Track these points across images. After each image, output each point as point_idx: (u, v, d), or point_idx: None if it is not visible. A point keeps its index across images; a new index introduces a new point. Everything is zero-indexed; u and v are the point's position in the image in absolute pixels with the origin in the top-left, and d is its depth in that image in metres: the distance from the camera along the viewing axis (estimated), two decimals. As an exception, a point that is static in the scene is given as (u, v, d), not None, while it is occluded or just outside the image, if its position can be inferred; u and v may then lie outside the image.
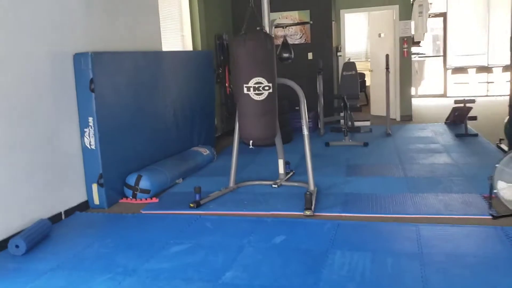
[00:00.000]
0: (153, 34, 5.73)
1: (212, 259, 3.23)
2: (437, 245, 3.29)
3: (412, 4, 8.53)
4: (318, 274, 2.93)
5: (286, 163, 5.16)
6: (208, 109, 6.65)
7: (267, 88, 4.23)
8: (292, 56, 6.62)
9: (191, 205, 4.35)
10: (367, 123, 8.40)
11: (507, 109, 6.69)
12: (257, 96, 4.23)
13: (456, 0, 11.71)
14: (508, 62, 11.21)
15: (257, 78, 4.19)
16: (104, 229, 3.99)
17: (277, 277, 2.94)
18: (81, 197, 4.49)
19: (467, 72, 11.77)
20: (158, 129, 5.41)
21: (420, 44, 10.90)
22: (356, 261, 3.08)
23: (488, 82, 11.66)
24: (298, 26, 8.44)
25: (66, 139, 4.30)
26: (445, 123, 8.11)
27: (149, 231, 3.85)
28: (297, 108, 4.90)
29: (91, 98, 4.32)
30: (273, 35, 4.73)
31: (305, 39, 8.53)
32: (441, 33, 12.10)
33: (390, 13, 8.64)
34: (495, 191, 3.83)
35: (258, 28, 4.59)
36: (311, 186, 4.49)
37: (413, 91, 9.21)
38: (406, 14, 8.49)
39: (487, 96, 11.40)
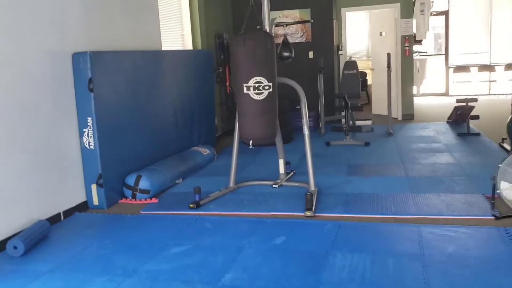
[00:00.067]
0: (152, 33, 5.70)
1: (212, 260, 3.20)
2: (438, 246, 3.25)
3: (414, 2, 8.48)
4: (318, 275, 2.90)
5: (287, 163, 5.13)
6: (208, 109, 6.62)
7: (267, 87, 4.20)
8: (293, 55, 6.59)
9: (191, 205, 4.32)
10: (369, 122, 8.36)
11: (509, 108, 6.66)
12: (257, 96, 4.19)
13: (458, -2, 11.68)
14: (511, 61, 11.24)
15: (257, 78, 4.15)
16: (103, 230, 3.97)
17: (277, 278, 2.91)
18: (80, 198, 4.46)
19: (469, 71, 11.72)
20: (158, 128, 5.38)
21: (422, 42, 10.86)
22: (356, 263, 3.04)
23: (490, 81, 11.61)
24: (298, 25, 8.40)
25: (65, 139, 4.28)
26: (447, 122, 8.07)
27: (148, 232, 3.82)
28: (297, 107, 4.87)
29: (90, 98, 4.28)
30: (273, 34, 4.69)
31: (306, 38, 8.49)
32: (442, 31, 12.05)
33: (391, 11, 8.59)
34: (497, 191, 3.79)
35: (258, 27, 4.56)
36: (312, 186, 4.46)
37: (414, 90, 9.16)
38: (407, 12, 8.44)
39: (489, 94, 11.35)
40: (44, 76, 4.04)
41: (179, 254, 3.33)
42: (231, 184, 4.81)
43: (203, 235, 3.69)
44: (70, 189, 4.34)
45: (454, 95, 11.29)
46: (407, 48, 8.53)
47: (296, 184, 4.83)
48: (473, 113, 7.14)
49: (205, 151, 5.99)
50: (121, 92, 4.74)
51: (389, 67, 7.53)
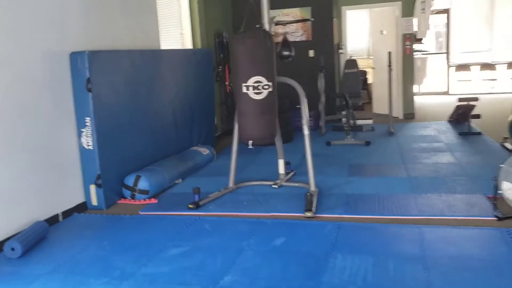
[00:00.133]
0: (151, 32, 5.67)
1: (210, 262, 3.17)
2: (440, 247, 3.22)
3: (415, 0, 8.43)
4: (319, 278, 2.87)
5: (287, 163, 5.09)
6: (208, 108, 6.58)
7: (266, 87, 4.16)
8: (293, 54, 6.52)
9: (190, 206, 4.28)
10: (370, 122, 8.31)
11: (511, 106, 6.61)
12: (257, 95, 4.16)
13: (460, -4, 11.62)
14: (512, 59, 11.21)
15: (256, 77, 4.11)
16: (102, 231, 3.93)
17: (276, 281, 2.87)
18: (79, 198, 4.43)
19: (470, 70, 11.67)
20: (157, 128, 5.35)
21: (422, 41, 10.81)
22: (357, 265, 3.01)
23: (491, 80, 11.56)
24: (299, 24, 8.35)
25: (63, 139, 4.24)
26: (448, 121, 8.02)
27: (147, 233, 3.79)
28: (298, 106, 4.83)
29: (88, 98, 4.25)
30: (273, 33, 4.65)
31: (306, 37, 8.45)
32: (443, 29, 12.00)
33: (392, 9, 8.55)
34: (499, 192, 3.75)
35: (257, 26, 4.52)
36: (312, 187, 4.42)
37: (415, 88, 9.12)
38: (408, 10, 8.39)
39: (490, 93, 11.30)
40: (42, 76, 4.01)
41: (178, 256, 3.30)
42: (231, 184, 4.77)
43: (202, 236, 3.65)
44: (69, 189, 4.31)
45: (455, 94, 11.25)
46: (408, 46, 8.48)
47: (296, 184, 4.80)
48: (474, 112, 7.10)
49: (205, 151, 5.95)
50: (120, 92, 4.70)
51: (390, 65, 7.48)
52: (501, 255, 3.06)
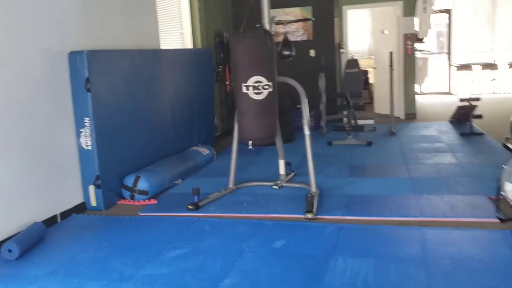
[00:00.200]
0: (151, 32, 5.63)
1: (210, 264, 3.13)
2: (442, 249, 3.18)
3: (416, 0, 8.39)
4: (319, 280, 2.83)
5: (287, 164, 5.06)
6: (208, 108, 6.54)
7: (266, 87, 4.12)
8: (293, 53, 6.50)
9: (190, 207, 4.25)
10: (371, 122, 8.28)
11: (513, 107, 6.57)
12: (257, 96, 4.12)
13: (461, -4, 11.57)
14: (514, 59, 11.15)
15: (256, 77, 4.08)
16: (101, 232, 3.90)
17: (277, 283, 2.84)
18: (78, 199, 4.39)
19: (472, 69, 11.62)
20: (157, 128, 5.31)
21: (424, 40, 10.75)
22: (358, 267, 2.97)
23: (493, 80, 11.51)
24: (299, 23, 8.31)
25: (62, 139, 4.21)
26: (450, 121, 7.98)
27: (146, 234, 3.75)
28: (298, 106, 4.79)
29: (87, 98, 4.22)
30: (273, 32, 4.61)
31: (307, 36, 8.41)
32: (444, 29, 11.95)
33: (393, 9, 8.51)
34: (502, 193, 3.71)
35: (258, 25, 4.48)
36: (313, 188, 4.38)
37: (417, 88, 9.08)
38: (409, 10, 8.35)
39: (492, 93, 11.26)
40: (39, 75, 3.98)
41: (177, 258, 3.26)
42: (231, 185, 4.74)
43: (201, 238, 3.62)
44: (67, 190, 4.27)
45: (456, 94, 11.21)
46: (409, 46, 8.43)
47: (296, 185, 4.76)
48: (476, 112, 7.06)
49: (205, 151, 5.92)
50: (119, 91, 4.67)
51: (391, 65, 7.44)
52: (503, 258, 3.02)
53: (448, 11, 11.62)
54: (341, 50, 8.75)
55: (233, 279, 2.91)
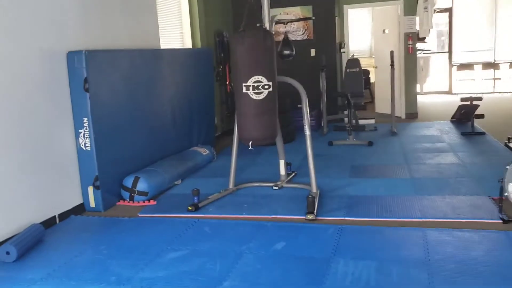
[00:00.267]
0: (151, 31, 5.59)
1: (209, 267, 3.09)
2: (445, 251, 3.14)
3: (417, -1, 8.35)
4: (320, 283, 2.79)
5: (288, 164, 5.01)
6: (208, 108, 6.50)
7: (266, 87, 4.08)
8: (294, 53, 6.47)
9: (190, 208, 4.21)
10: (372, 121, 8.25)
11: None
12: (257, 96, 4.08)
13: (462, -6, 11.51)
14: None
15: (256, 77, 4.03)
16: (99, 234, 3.86)
17: (277, 286, 2.80)
18: (77, 200, 4.35)
19: (473, 69, 11.57)
20: (156, 129, 5.27)
21: (425, 40, 10.71)
22: (360, 269, 2.93)
23: (494, 79, 11.46)
24: (300, 22, 8.27)
25: (60, 140, 4.17)
26: (451, 121, 7.94)
27: (145, 236, 3.71)
28: (299, 106, 4.75)
29: (85, 98, 4.17)
30: (273, 32, 4.57)
31: (308, 36, 8.37)
32: (445, 28, 11.90)
33: (394, 8, 8.46)
34: (505, 194, 3.67)
35: (258, 25, 4.44)
36: (314, 189, 4.34)
37: (418, 88, 9.03)
38: (411, 9, 8.30)
39: (493, 93, 11.21)
40: (37, 75, 3.93)
41: (176, 260, 3.22)
42: (231, 185, 4.70)
43: (201, 240, 3.57)
44: (66, 191, 4.23)
45: (457, 93, 11.16)
46: (410, 45, 8.39)
47: (297, 185, 4.72)
48: (477, 111, 7.01)
49: (205, 151, 5.88)
50: (118, 92, 4.63)
51: (392, 65, 7.40)
52: (507, 260, 2.98)
53: (449, 10, 11.57)
54: (342, 50, 8.71)
55: (232, 282, 2.87)
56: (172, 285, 2.88)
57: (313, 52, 8.31)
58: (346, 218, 3.86)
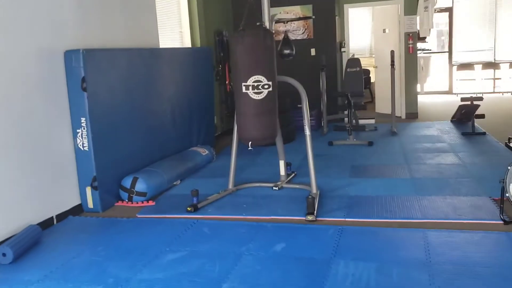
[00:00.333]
0: (150, 30, 5.55)
1: (208, 268, 3.06)
2: (446, 253, 3.11)
3: (418, -2, 8.32)
4: (320, 285, 2.76)
5: (287, 164, 4.98)
6: (207, 108, 6.47)
7: (266, 86, 4.05)
8: (294, 52, 6.43)
9: (189, 208, 4.18)
10: (372, 121, 8.22)
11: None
12: (256, 95, 4.04)
13: (462, -6, 11.49)
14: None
15: (256, 76, 4.00)
16: (97, 235, 3.82)
17: (276, 289, 2.77)
18: (75, 201, 4.32)
19: (473, 68, 11.55)
20: (155, 128, 5.24)
21: (426, 40, 10.68)
22: (360, 271, 2.90)
23: (494, 79, 11.44)
24: (300, 21, 8.24)
25: (58, 140, 4.13)
26: (451, 121, 7.91)
27: (144, 237, 3.68)
28: (299, 105, 4.72)
29: (83, 98, 4.14)
30: (273, 31, 4.54)
31: (308, 35, 8.33)
32: (445, 28, 11.87)
33: (394, 7, 8.43)
34: (507, 194, 3.64)
35: (257, 24, 4.41)
36: (314, 189, 4.31)
37: (418, 88, 9.01)
38: (411, 8, 8.27)
39: (493, 92, 11.18)
40: (34, 75, 3.90)
41: (175, 262, 3.19)
42: (230, 186, 4.67)
43: (200, 241, 3.54)
44: (64, 192, 4.20)
45: (457, 93, 11.14)
46: (410, 45, 8.36)
47: (297, 186, 4.69)
48: (478, 111, 6.98)
49: (204, 151, 5.84)
50: (116, 91, 4.59)
51: (392, 64, 7.37)
52: (508, 261, 2.95)
53: (449, 10, 11.54)
54: (342, 49, 8.68)
55: (232, 284, 2.84)
56: (171, 287, 2.84)
57: (313, 51, 8.28)
58: (346, 219, 3.82)
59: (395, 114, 7.57)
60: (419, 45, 9.78)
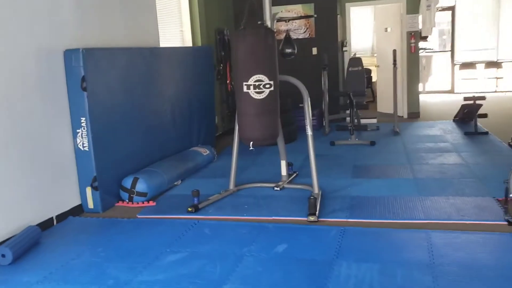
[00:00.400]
0: (150, 29, 5.52)
1: (209, 270, 3.03)
2: (449, 254, 3.07)
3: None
4: (323, 286, 2.73)
5: (289, 165, 4.94)
6: (208, 107, 6.44)
7: (268, 86, 4.01)
8: (295, 51, 6.39)
9: (189, 209, 4.15)
10: (374, 121, 8.17)
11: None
12: (258, 95, 4.01)
13: (465, -7, 11.44)
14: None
15: (257, 76, 3.97)
16: (97, 236, 3.79)
17: (278, 291, 2.74)
18: (75, 201, 4.29)
19: (475, 68, 11.50)
20: (156, 128, 5.20)
21: (428, 39, 10.63)
22: (363, 273, 2.87)
23: (497, 78, 11.38)
24: (302, 20, 8.20)
25: (58, 140, 4.10)
26: (454, 120, 7.86)
27: (144, 238, 3.65)
28: (301, 105, 4.68)
29: (83, 97, 4.11)
30: (275, 30, 4.50)
31: (309, 34, 8.29)
32: (447, 27, 11.82)
33: (396, 6, 8.39)
34: (511, 195, 3.60)
35: (259, 22, 4.37)
36: (315, 190, 4.28)
37: (420, 87, 8.97)
38: (413, 7, 8.23)
39: (496, 92, 11.13)
40: (33, 74, 3.86)
41: (175, 263, 3.16)
42: (231, 186, 4.63)
43: (201, 242, 3.51)
44: (64, 192, 4.17)
45: (459, 93, 11.09)
46: (413, 44, 8.32)
47: (298, 186, 4.65)
48: (480, 111, 6.93)
49: (205, 151, 5.81)
50: (117, 91, 4.56)
51: (394, 64, 7.32)
52: (513, 263, 2.91)
53: (451, 8, 11.49)
54: (344, 48, 8.64)
55: (233, 285, 2.80)
56: (171, 288, 2.82)
57: (314, 50, 8.23)
58: (349, 220, 3.79)
59: (397, 114, 7.53)
60: (421, 44, 9.73)
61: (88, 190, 4.28)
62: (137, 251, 3.38)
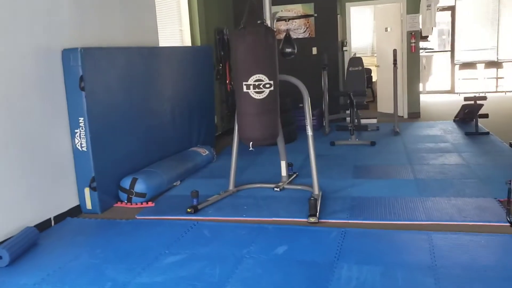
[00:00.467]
0: (149, 28, 5.48)
1: (208, 272, 2.99)
2: (451, 256, 3.04)
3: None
4: (323, 289, 2.70)
5: (289, 165, 4.91)
6: (208, 107, 6.40)
7: (268, 85, 3.98)
8: (295, 51, 6.35)
9: (189, 210, 4.11)
10: (374, 121, 8.14)
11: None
12: (257, 95, 3.97)
13: (465, -8, 11.41)
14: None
15: (257, 75, 3.93)
16: (95, 237, 3.75)
17: (278, 293, 2.70)
18: (73, 202, 4.25)
19: (475, 67, 11.47)
20: (155, 128, 5.17)
21: (428, 38, 10.60)
22: (364, 275, 2.83)
23: (497, 78, 11.36)
24: (301, 20, 8.17)
25: (56, 140, 4.06)
26: (454, 120, 7.83)
27: (143, 239, 3.61)
28: (301, 105, 4.65)
29: (81, 97, 4.07)
30: (275, 29, 4.47)
31: (309, 33, 8.25)
32: (446, 27, 11.79)
33: (397, 6, 8.36)
34: (513, 196, 3.56)
35: (259, 22, 4.33)
36: (316, 190, 4.24)
37: (420, 87, 8.93)
38: (413, 7, 8.20)
39: (496, 92, 11.11)
40: (31, 74, 3.83)
41: (174, 265, 3.12)
42: (231, 187, 4.60)
43: (200, 243, 3.47)
44: (62, 193, 4.13)
45: (459, 93, 11.07)
46: (413, 44, 8.29)
47: (299, 187, 4.62)
48: (481, 111, 6.90)
49: (204, 151, 5.77)
50: (115, 90, 4.52)
51: (395, 63, 7.29)
52: (517, 265, 2.88)
53: (451, 8, 11.46)
54: (344, 48, 8.61)
55: (232, 288, 2.77)
56: (170, 291, 2.78)
57: (314, 50, 8.20)
58: (349, 221, 3.75)
59: (397, 114, 7.50)
60: (421, 44, 9.70)
61: (87, 191, 4.24)
62: (136, 252, 3.34)
